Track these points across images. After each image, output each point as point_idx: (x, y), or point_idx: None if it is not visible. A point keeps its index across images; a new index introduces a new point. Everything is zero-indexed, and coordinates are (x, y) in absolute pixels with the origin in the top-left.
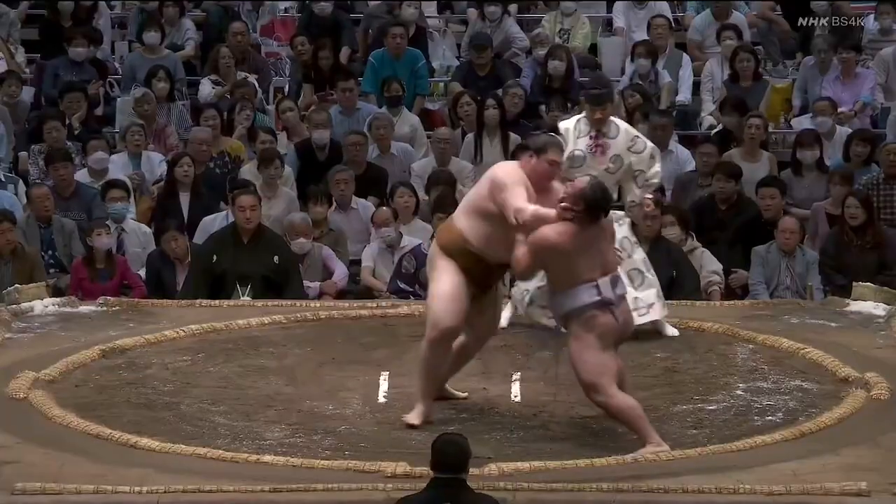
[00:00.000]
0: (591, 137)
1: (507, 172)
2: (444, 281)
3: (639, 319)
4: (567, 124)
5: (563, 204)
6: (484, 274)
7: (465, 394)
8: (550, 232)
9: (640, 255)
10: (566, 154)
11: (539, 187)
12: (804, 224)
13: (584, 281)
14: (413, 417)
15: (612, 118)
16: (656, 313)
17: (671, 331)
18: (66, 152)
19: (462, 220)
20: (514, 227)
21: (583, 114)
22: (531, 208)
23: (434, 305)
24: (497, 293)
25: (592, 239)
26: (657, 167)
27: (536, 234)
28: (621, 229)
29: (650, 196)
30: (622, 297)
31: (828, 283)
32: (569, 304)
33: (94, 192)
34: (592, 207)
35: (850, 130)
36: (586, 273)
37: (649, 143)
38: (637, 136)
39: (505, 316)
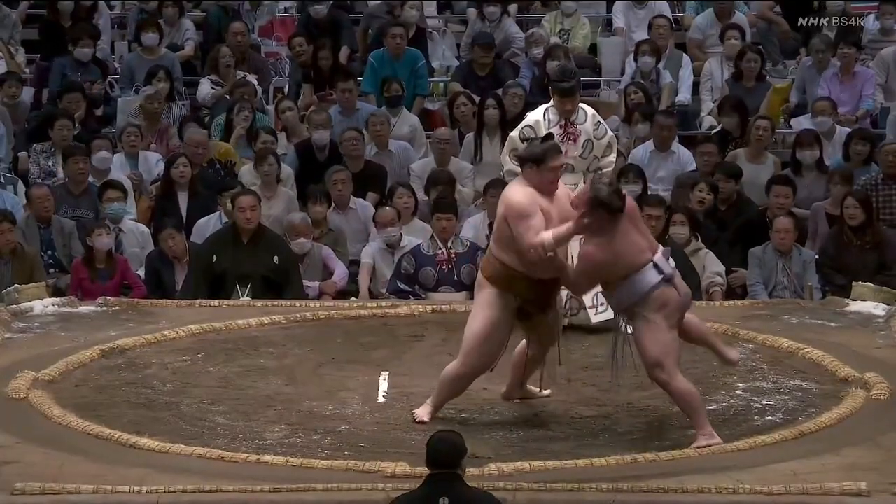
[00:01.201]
0: (560, 126)
1: (517, 199)
2: (483, 318)
3: (595, 318)
4: (537, 115)
5: (584, 219)
6: (540, 294)
7: (549, 391)
8: (592, 250)
9: None
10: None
11: (547, 194)
12: (804, 224)
13: (640, 266)
14: (422, 412)
15: (584, 107)
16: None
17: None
18: (86, 147)
19: (498, 251)
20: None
21: (550, 103)
22: (547, 238)
23: (471, 343)
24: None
25: (627, 229)
26: (612, 157)
27: (582, 258)
28: None
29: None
30: (675, 270)
31: (827, 284)
32: (636, 291)
33: None
34: (609, 206)
35: (850, 130)
36: (639, 259)
37: (610, 132)
38: (600, 122)
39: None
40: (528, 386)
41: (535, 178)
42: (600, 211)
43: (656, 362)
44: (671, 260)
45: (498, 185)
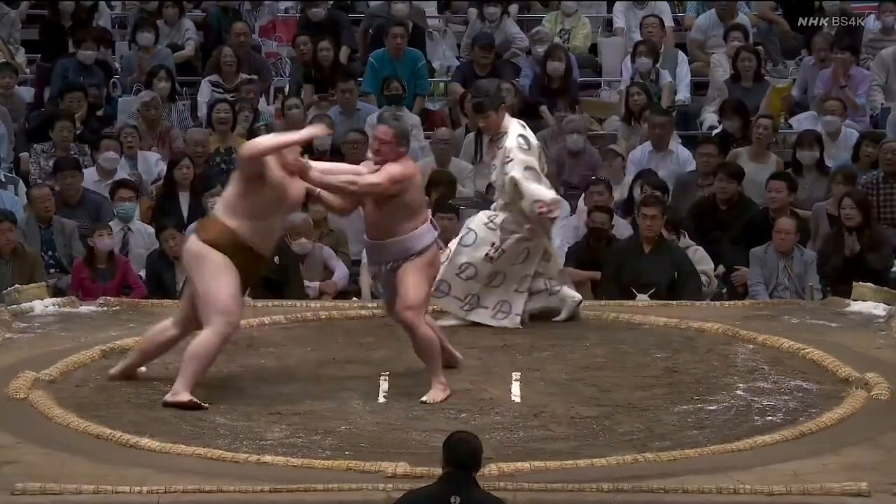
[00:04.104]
0: (489, 144)
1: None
2: (226, 276)
3: (494, 322)
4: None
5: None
6: (252, 268)
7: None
8: (401, 167)
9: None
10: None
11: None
12: (805, 224)
13: (423, 221)
14: (184, 395)
15: (509, 128)
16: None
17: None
18: (75, 160)
19: (227, 217)
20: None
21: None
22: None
23: (226, 301)
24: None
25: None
26: (523, 203)
27: (393, 168)
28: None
29: (528, 227)
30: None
31: (827, 284)
32: (415, 245)
33: (101, 199)
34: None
35: (855, 132)
36: (423, 212)
37: (512, 172)
38: (510, 159)
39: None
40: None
41: None
42: (396, 141)
43: (414, 305)
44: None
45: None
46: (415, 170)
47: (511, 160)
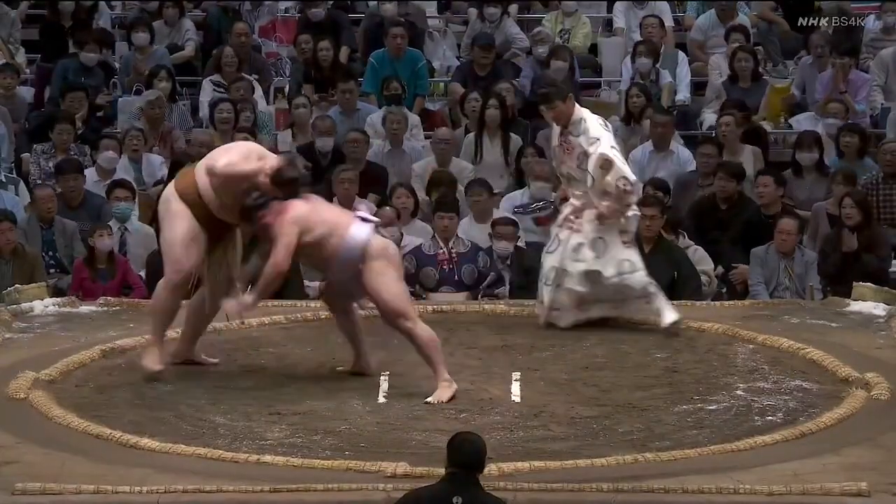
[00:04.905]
0: (559, 135)
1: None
2: (182, 225)
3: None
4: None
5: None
6: (213, 226)
7: (216, 360)
8: (279, 221)
9: (609, 256)
10: (550, 153)
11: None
12: (805, 225)
13: (346, 226)
14: (151, 362)
15: (585, 116)
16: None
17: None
18: (78, 163)
19: (202, 177)
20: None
21: None
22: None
23: (175, 249)
24: (231, 253)
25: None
26: (608, 178)
27: (283, 217)
28: (605, 227)
29: (606, 203)
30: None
31: (827, 284)
32: (353, 248)
33: (102, 201)
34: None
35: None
36: (338, 225)
37: (601, 150)
38: (597, 139)
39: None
40: (199, 352)
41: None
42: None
43: (399, 312)
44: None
45: (478, 185)
46: (295, 209)
47: (598, 139)
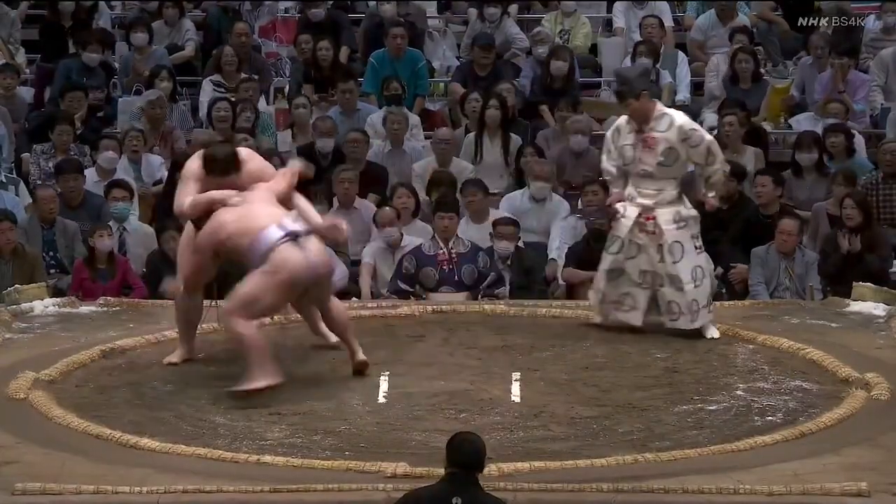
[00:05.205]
0: (635, 133)
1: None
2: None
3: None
4: (620, 119)
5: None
6: None
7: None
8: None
9: (686, 261)
10: (615, 152)
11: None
12: (805, 225)
13: (262, 227)
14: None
15: (667, 112)
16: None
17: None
18: (78, 163)
19: None
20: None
21: None
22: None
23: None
24: None
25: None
26: (717, 165)
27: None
28: (681, 232)
29: (712, 195)
30: (309, 233)
31: (827, 284)
32: (259, 249)
33: (102, 201)
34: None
35: (855, 133)
36: (260, 221)
37: (707, 137)
38: (694, 129)
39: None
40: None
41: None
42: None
43: (234, 309)
44: (300, 222)
45: (472, 185)
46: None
47: (694, 129)
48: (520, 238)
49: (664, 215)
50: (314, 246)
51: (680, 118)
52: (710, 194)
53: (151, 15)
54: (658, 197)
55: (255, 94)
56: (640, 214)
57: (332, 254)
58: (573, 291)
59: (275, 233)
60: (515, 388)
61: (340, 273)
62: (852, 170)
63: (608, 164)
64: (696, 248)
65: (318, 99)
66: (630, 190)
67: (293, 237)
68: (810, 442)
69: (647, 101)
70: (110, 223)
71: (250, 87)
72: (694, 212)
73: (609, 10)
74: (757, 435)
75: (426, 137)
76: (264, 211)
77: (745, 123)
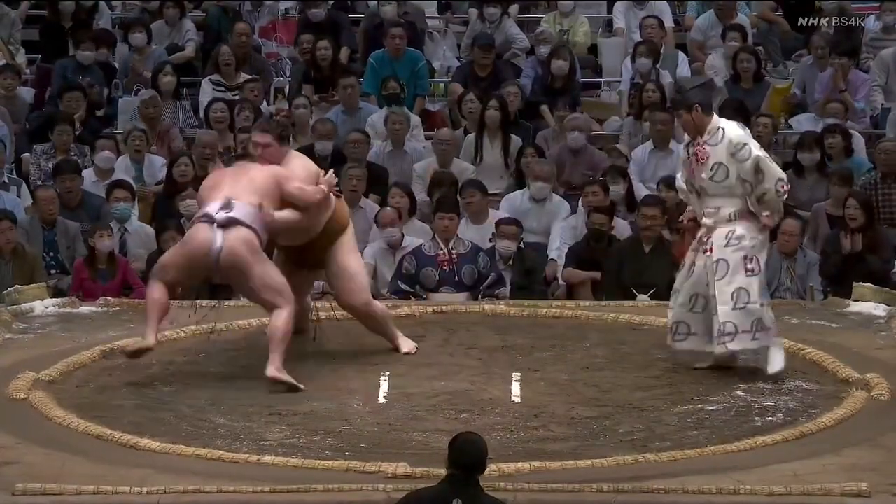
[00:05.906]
0: (693, 146)
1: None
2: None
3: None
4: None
5: None
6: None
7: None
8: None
9: (727, 281)
10: (682, 167)
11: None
12: (805, 226)
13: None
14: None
15: (721, 124)
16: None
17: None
18: (75, 163)
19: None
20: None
21: None
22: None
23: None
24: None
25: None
26: (766, 184)
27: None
28: (729, 250)
29: (766, 213)
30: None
31: (828, 284)
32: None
33: (101, 201)
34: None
35: (856, 133)
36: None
37: (755, 152)
38: (744, 143)
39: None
40: None
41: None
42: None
43: (156, 265)
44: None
45: (471, 186)
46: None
47: (745, 144)
48: (522, 238)
49: (718, 233)
50: (230, 237)
51: (732, 131)
52: (765, 213)
53: (152, 15)
54: (716, 215)
55: (259, 95)
56: (703, 234)
57: None
58: (573, 292)
59: (204, 210)
60: (516, 389)
61: None
62: (849, 170)
63: (679, 180)
64: (746, 269)
65: (318, 99)
66: (698, 207)
67: (210, 220)
68: (810, 442)
69: (700, 114)
70: (111, 223)
71: (255, 88)
72: (754, 232)
73: (609, 11)
74: (757, 435)
75: (426, 138)
76: (227, 190)
77: (775, 130)
